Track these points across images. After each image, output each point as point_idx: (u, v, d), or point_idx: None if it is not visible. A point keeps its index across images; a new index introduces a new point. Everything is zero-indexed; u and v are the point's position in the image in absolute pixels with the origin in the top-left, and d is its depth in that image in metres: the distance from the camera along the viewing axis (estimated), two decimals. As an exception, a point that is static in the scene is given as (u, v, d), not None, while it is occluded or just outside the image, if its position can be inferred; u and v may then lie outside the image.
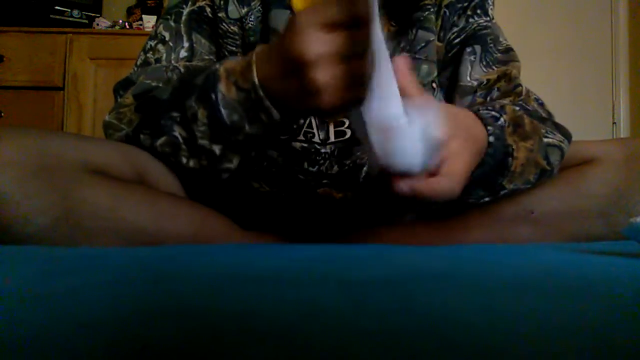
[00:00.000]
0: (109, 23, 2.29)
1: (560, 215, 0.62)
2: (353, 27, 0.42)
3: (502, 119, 0.54)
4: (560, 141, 0.60)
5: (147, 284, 0.30)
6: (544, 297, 0.27)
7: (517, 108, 0.58)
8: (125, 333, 0.20)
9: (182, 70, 0.64)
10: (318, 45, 0.43)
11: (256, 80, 0.49)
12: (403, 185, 0.41)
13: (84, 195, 0.51)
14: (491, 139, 0.51)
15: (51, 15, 2.19)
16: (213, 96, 0.52)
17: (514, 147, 0.54)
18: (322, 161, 0.65)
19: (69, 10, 2.23)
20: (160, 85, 0.61)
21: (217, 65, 0.54)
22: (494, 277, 0.34)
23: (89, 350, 0.18)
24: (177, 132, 0.56)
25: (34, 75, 2.10)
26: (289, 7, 0.65)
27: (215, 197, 0.64)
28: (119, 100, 0.64)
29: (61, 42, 2.12)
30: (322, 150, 0.65)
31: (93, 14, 2.31)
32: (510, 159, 0.54)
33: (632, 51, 2.62)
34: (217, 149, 0.55)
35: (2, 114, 2.06)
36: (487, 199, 0.59)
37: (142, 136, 0.59)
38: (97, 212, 0.51)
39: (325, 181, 0.66)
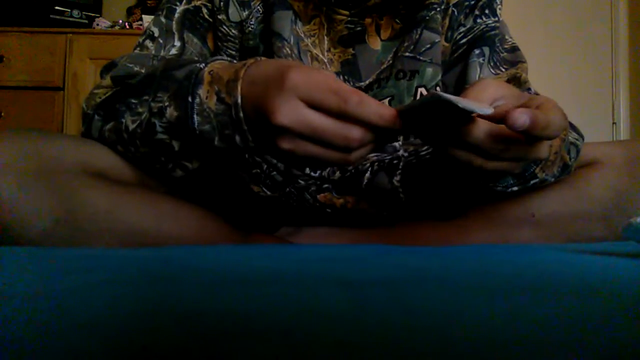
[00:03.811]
0: (109, 23, 2.29)
1: (561, 218, 0.62)
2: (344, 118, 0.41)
3: None
4: (576, 139, 0.60)
5: (147, 284, 0.30)
6: (544, 297, 0.27)
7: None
8: (125, 333, 0.20)
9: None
10: (293, 116, 0.42)
11: (239, 99, 0.46)
12: (522, 116, 0.39)
13: (84, 198, 0.51)
14: None
15: (51, 15, 2.19)
16: (190, 99, 0.49)
17: None
18: None
19: (69, 10, 2.23)
20: (143, 71, 0.57)
21: (202, 65, 0.50)
22: (494, 277, 0.34)
23: (89, 350, 0.18)
24: (126, 119, 0.53)
25: (34, 75, 2.10)
26: (291, 7, 0.64)
27: (215, 200, 0.64)
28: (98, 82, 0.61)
29: (61, 42, 2.12)
30: None
31: (93, 14, 2.31)
32: None
33: (632, 51, 2.62)
34: (176, 145, 0.52)
35: (2, 114, 2.06)
36: (515, 188, 0.57)
37: (96, 117, 0.56)
38: (97, 215, 0.51)
39: (326, 186, 0.65)
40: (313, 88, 0.41)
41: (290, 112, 0.41)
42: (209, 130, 0.48)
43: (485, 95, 0.44)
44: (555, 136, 0.42)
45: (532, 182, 0.57)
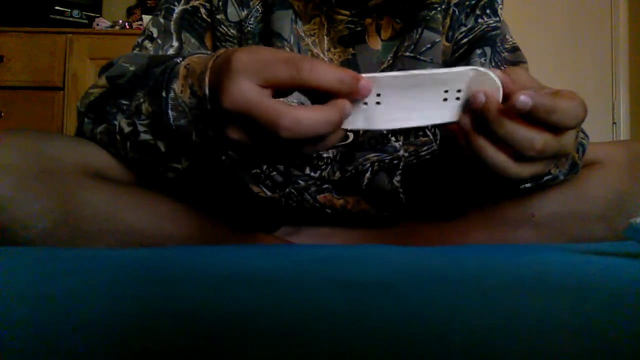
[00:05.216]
0: (109, 23, 2.29)
1: (562, 219, 0.62)
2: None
3: None
4: (582, 138, 0.59)
5: (147, 284, 0.30)
6: (543, 297, 0.27)
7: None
8: (125, 334, 0.20)
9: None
10: (232, 98, 0.37)
11: (207, 91, 0.43)
12: (525, 97, 0.37)
13: (84, 198, 0.51)
14: None
15: (51, 15, 2.20)
16: (164, 94, 0.47)
17: None
18: (324, 166, 0.64)
19: (69, 10, 2.23)
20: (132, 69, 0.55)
21: (179, 60, 0.49)
22: (494, 277, 0.34)
23: (88, 350, 0.18)
24: (118, 121, 0.52)
25: (34, 75, 2.10)
26: (291, 6, 0.64)
27: (215, 200, 0.64)
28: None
29: (61, 42, 2.12)
30: (325, 155, 0.64)
31: (93, 14, 2.31)
32: None
33: (632, 51, 2.62)
34: (162, 145, 0.50)
35: (2, 114, 2.06)
36: (528, 185, 0.56)
37: (86, 119, 0.55)
38: (96, 216, 0.51)
39: (326, 186, 0.65)
40: (262, 64, 0.37)
41: (232, 94, 0.37)
42: (185, 125, 0.47)
43: (520, 80, 0.42)
44: (565, 123, 0.39)
45: (545, 178, 0.56)
